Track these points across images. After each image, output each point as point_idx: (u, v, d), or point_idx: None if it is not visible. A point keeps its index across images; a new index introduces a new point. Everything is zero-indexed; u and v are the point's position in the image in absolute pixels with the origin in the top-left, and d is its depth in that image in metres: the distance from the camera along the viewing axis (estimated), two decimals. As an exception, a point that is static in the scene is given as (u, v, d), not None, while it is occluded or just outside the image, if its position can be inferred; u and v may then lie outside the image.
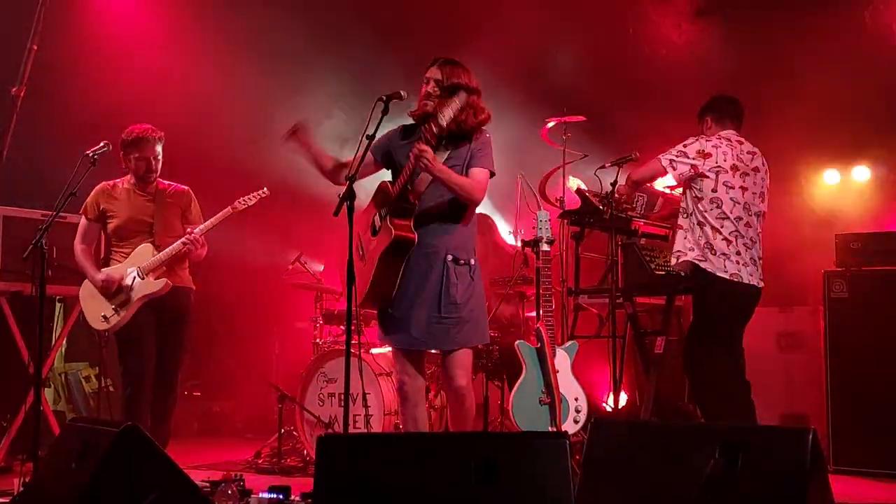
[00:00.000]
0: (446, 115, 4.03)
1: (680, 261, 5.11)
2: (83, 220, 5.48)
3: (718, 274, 4.98)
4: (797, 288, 5.89)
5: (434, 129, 4.03)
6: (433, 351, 4.66)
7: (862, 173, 7.15)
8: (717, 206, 5.02)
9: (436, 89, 4.23)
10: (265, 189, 5.54)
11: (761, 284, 5.13)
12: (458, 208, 4.27)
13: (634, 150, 5.59)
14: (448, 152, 4.23)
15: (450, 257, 4.21)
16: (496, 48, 7.37)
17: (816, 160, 7.23)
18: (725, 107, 5.32)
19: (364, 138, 4.02)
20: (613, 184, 5.40)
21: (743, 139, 5.20)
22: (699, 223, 5.06)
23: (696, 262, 5.02)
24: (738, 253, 5.01)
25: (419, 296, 4.22)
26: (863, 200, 7.07)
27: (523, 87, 7.27)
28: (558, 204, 6.28)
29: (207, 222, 5.39)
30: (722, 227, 5.01)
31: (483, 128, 4.31)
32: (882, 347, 5.70)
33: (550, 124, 6.45)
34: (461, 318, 4.23)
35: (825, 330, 5.93)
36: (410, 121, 4.42)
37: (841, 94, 6.73)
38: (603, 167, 5.66)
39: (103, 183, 5.49)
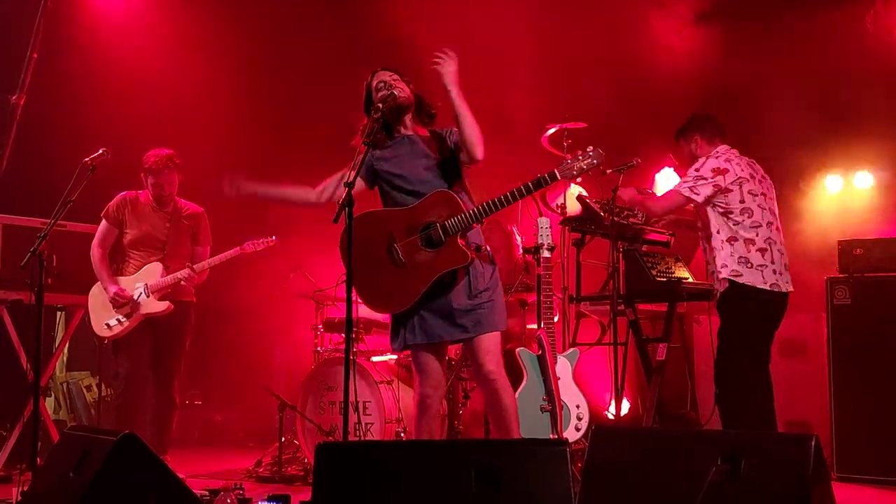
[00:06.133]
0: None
1: (720, 279, 5.08)
2: (103, 223, 5.80)
3: (758, 286, 4.96)
4: (800, 294, 5.83)
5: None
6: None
7: (864, 179, 7.12)
8: (749, 216, 5.01)
9: (394, 81, 4.30)
10: (273, 237, 5.94)
11: (791, 290, 5.13)
12: (467, 199, 4.26)
13: (636, 157, 5.58)
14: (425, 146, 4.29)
15: (472, 247, 4.19)
16: (496, 55, 7.37)
17: (818, 166, 7.21)
18: (710, 124, 5.32)
19: (363, 145, 4.04)
20: (614, 190, 5.39)
21: (738, 153, 5.21)
22: (730, 239, 5.03)
23: (732, 278, 4.99)
24: (773, 262, 5.01)
25: (445, 289, 4.16)
26: (865, 206, 7.04)
27: (524, 93, 7.26)
28: (559, 210, 6.26)
29: (213, 259, 5.82)
30: (757, 235, 5.00)
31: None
32: (885, 354, 5.67)
33: (551, 130, 6.44)
34: (490, 302, 4.20)
35: (828, 336, 5.91)
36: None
37: (843, 100, 6.71)
38: (604, 174, 5.64)
39: (127, 192, 5.86)
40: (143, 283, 5.68)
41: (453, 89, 4.07)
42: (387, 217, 4.23)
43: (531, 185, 4.09)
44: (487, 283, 4.22)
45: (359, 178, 4.39)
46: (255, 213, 7.34)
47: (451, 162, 4.26)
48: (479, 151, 4.12)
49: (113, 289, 5.63)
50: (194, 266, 5.74)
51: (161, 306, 5.68)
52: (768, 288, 4.98)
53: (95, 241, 5.77)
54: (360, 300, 4.38)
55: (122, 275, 5.77)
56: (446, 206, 4.09)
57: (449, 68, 4.08)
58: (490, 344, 4.21)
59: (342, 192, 4.26)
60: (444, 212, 4.09)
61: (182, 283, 5.71)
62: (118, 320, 5.66)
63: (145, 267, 5.73)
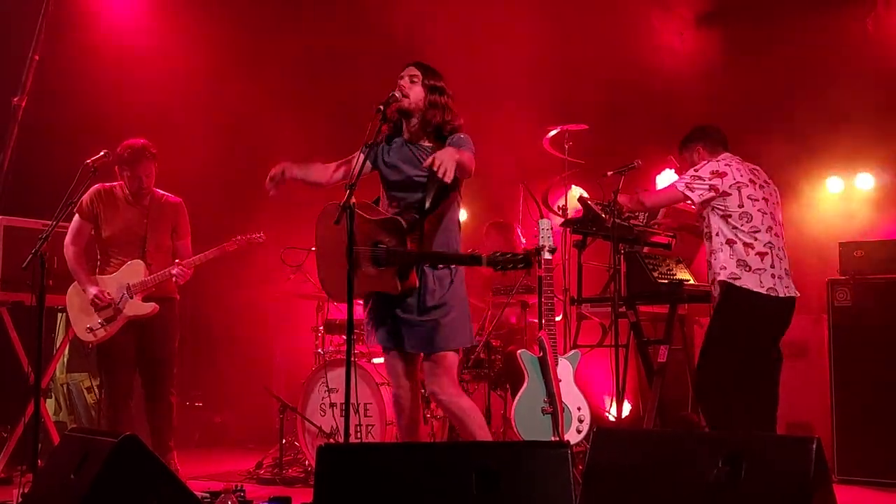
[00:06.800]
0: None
1: (718, 280, 5.07)
2: (76, 219, 5.55)
3: (755, 290, 4.95)
4: (801, 296, 5.86)
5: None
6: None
7: (865, 181, 7.11)
8: (748, 220, 5.00)
9: (409, 84, 4.20)
10: (261, 233, 5.75)
11: (797, 294, 5.11)
12: (439, 215, 4.20)
13: (637, 159, 5.58)
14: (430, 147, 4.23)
15: (427, 264, 4.12)
16: (498, 57, 7.37)
17: (819, 168, 7.20)
18: (713, 134, 5.32)
19: (364, 147, 4.04)
20: (616, 192, 5.38)
21: (742, 160, 5.20)
22: (728, 241, 5.03)
23: (731, 280, 4.99)
24: (773, 266, 4.99)
25: (397, 300, 4.15)
26: (866, 208, 7.04)
27: (525, 95, 7.26)
28: (560, 212, 6.26)
29: (201, 255, 5.55)
30: (756, 239, 4.99)
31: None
32: (886, 355, 5.68)
33: (552, 133, 6.43)
34: (437, 321, 4.13)
35: (829, 338, 5.91)
36: None
37: (844, 102, 6.70)
38: (605, 175, 5.65)
39: (100, 185, 5.56)
40: (126, 283, 5.43)
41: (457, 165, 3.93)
42: (362, 219, 4.20)
43: (466, 258, 4.08)
44: (438, 300, 4.14)
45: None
46: (243, 211, 7.34)
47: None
48: (465, 176, 4.12)
49: (93, 291, 5.39)
50: (184, 262, 5.51)
51: (147, 308, 5.44)
52: (765, 292, 4.96)
53: (68, 239, 5.53)
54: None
55: (101, 274, 5.54)
56: (394, 236, 4.07)
57: (449, 165, 3.83)
58: (433, 365, 4.17)
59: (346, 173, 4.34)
60: (392, 240, 4.07)
61: (175, 279, 5.46)
62: (101, 324, 5.43)
63: (126, 265, 5.48)
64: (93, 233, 5.60)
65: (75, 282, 5.55)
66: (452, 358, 4.22)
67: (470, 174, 4.12)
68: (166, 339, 5.64)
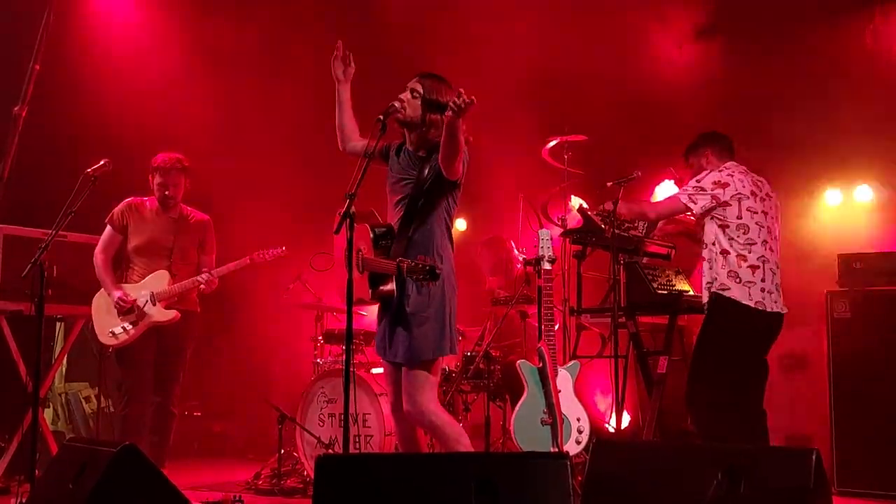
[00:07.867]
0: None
1: (709, 291, 5.07)
2: (108, 229, 5.74)
3: (743, 302, 4.94)
4: (799, 308, 5.86)
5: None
6: None
7: (864, 193, 7.12)
8: (745, 232, 5.01)
9: (410, 98, 4.18)
10: (283, 247, 5.95)
11: (785, 310, 5.10)
12: (420, 215, 4.17)
13: (636, 170, 5.59)
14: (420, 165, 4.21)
15: (405, 266, 3.98)
16: (497, 68, 7.39)
17: (818, 180, 7.21)
18: (721, 141, 5.33)
19: (364, 157, 4.04)
20: (615, 202, 5.39)
21: (747, 170, 5.20)
22: (722, 252, 5.03)
23: (720, 291, 4.99)
24: (763, 280, 4.98)
25: (387, 306, 4.18)
26: (865, 220, 7.04)
27: (524, 106, 7.28)
28: (560, 223, 6.27)
29: (224, 267, 5.77)
30: (749, 252, 4.99)
31: None
32: (885, 367, 5.67)
33: (552, 143, 6.45)
34: (411, 329, 4.08)
35: (828, 350, 5.91)
36: None
37: (842, 114, 6.72)
38: (605, 186, 5.65)
39: (132, 198, 5.81)
40: (150, 290, 5.58)
41: (456, 126, 3.88)
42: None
43: (389, 265, 4.02)
44: (413, 307, 4.09)
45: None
46: (259, 224, 7.34)
47: (434, 184, 4.16)
48: (450, 172, 4.05)
49: (117, 293, 5.52)
50: (213, 271, 5.69)
51: (168, 315, 5.59)
52: (752, 305, 4.96)
53: (98, 248, 5.70)
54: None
55: (126, 282, 5.67)
56: (364, 243, 4.12)
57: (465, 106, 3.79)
58: (405, 378, 4.12)
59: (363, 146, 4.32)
60: (363, 246, 4.12)
61: (202, 288, 5.65)
62: (123, 328, 5.55)
63: (152, 274, 5.64)
64: (122, 244, 5.75)
65: (101, 289, 5.66)
66: (423, 373, 4.11)
67: (457, 168, 4.06)
68: (180, 349, 5.78)
